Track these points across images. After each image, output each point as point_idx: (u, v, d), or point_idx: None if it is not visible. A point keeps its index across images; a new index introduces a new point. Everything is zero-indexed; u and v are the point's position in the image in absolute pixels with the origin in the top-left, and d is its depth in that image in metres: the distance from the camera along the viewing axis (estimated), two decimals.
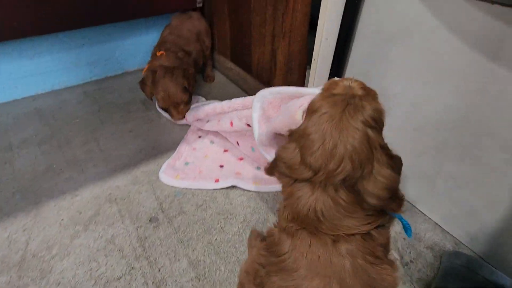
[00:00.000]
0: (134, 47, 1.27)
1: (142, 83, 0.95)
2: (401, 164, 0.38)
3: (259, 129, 0.62)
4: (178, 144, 0.90)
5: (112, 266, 0.60)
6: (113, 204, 0.73)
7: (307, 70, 0.91)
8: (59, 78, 1.17)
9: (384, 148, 0.36)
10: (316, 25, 0.73)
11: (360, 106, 0.35)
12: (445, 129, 0.60)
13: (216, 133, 0.91)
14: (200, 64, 1.11)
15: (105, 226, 0.68)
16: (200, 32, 1.09)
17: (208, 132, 0.91)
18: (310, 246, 0.37)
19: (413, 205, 0.73)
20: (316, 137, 0.35)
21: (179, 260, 0.62)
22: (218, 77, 1.25)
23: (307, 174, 0.36)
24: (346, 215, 0.36)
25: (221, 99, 1.10)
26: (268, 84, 0.98)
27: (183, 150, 0.87)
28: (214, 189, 0.76)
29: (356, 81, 0.38)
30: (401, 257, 0.62)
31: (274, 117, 0.60)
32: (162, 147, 0.90)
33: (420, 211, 0.71)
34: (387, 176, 0.35)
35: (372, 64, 0.69)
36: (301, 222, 0.38)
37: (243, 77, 1.11)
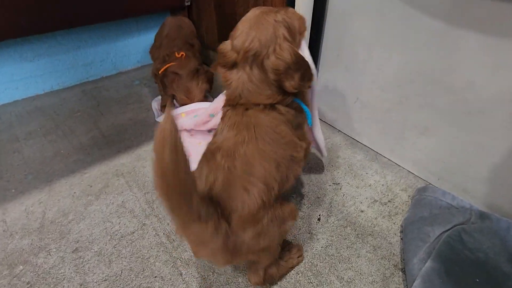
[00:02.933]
0: (127, 48, 1.36)
1: (163, 81, 0.98)
2: (305, 60, 0.49)
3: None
4: None
5: (125, 224, 0.67)
6: (120, 177, 0.80)
7: None
8: (57, 79, 1.23)
9: (288, 42, 0.47)
10: None
11: (275, 12, 0.49)
12: (404, 84, 0.70)
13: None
14: None
15: (115, 195, 0.74)
16: (193, 31, 1.18)
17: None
18: (230, 117, 0.50)
19: (388, 158, 0.82)
20: (240, 27, 0.49)
21: None
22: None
23: (234, 55, 0.48)
24: (256, 92, 0.48)
25: (213, 91, 1.18)
26: None
27: (182, 135, 0.94)
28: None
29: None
30: (381, 199, 0.71)
31: None
32: None
33: (395, 162, 0.81)
34: (284, 55, 0.46)
35: (343, 37, 0.80)
36: (231, 102, 0.50)
37: None
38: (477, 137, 0.62)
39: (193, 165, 0.83)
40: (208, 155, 0.47)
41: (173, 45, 1.03)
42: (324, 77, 0.91)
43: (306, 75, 0.49)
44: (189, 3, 1.21)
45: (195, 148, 0.92)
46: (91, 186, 0.77)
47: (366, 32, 0.74)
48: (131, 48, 1.37)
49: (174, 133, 0.30)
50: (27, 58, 1.14)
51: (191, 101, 0.97)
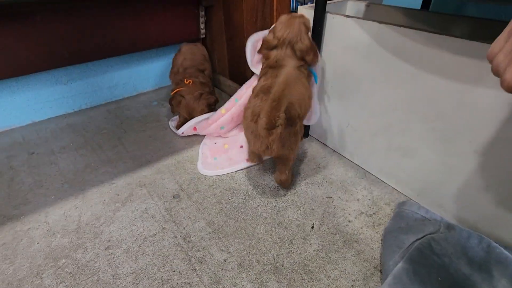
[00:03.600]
0: (147, 72, 1.53)
1: (171, 102, 1.18)
2: (315, 46, 0.85)
3: (251, 57, 0.97)
4: (190, 144, 1.12)
5: (148, 227, 0.79)
6: (143, 187, 0.93)
7: None
8: (85, 99, 1.40)
9: (306, 35, 0.82)
10: None
11: (297, 17, 0.83)
12: (388, 112, 0.83)
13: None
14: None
15: (139, 202, 0.87)
16: (205, 55, 1.34)
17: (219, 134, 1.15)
18: (272, 71, 0.82)
19: (376, 176, 0.94)
20: (279, 25, 0.83)
21: (198, 221, 0.81)
22: (218, 93, 1.49)
23: (275, 42, 0.82)
24: (289, 60, 0.81)
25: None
26: None
27: (206, 150, 1.08)
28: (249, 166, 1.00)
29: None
30: (367, 211, 0.83)
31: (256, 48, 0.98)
32: (177, 147, 1.11)
33: (381, 180, 0.92)
34: (306, 43, 0.81)
35: (335, 71, 0.93)
36: (271, 64, 0.83)
37: None
38: (448, 160, 0.74)
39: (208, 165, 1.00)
40: (265, 90, 0.76)
41: (185, 73, 1.21)
42: (321, 104, 1.04)
43: (316, 54, 0.84)
44: (204, 36, 1.38)
45: (223, 139, 1.08)
46: (118, 195, 0.90)
47: (355, 68, 0.87)
48: (150, 72, 1.54)
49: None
50: (61, 82, 1.30)
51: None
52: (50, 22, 1.04)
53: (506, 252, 0.61)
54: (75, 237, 0.77)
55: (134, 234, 0.77)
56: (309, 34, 0.85)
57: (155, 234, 0.77)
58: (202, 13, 1.29)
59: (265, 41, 0.85)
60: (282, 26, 0.82)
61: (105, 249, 0.74)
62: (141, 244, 0.75)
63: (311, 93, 0.83)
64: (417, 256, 0.63)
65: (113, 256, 0.72)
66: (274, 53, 0.83)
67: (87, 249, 0.74)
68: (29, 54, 1.08)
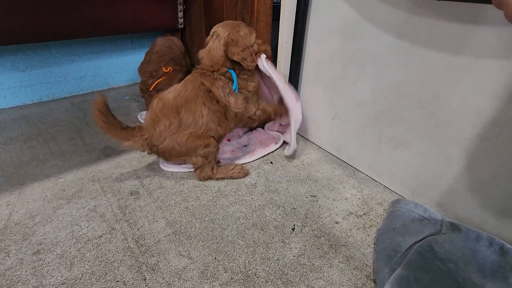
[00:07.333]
0: (120, 66, 1.40)
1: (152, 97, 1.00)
2: (250, 49, 0.75)
3: None
4: None
5: (93, 228, 0.65)
6: (96, 183, 0.78)
7: None
8: (47, 90, 1.25)
9: (242, 37, 0.73)
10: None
11: (241, 24, 0.75)
12: (379, 99, 0.74)
13: None
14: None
15: (88, 199, 0.73)
16: (182, 51, 1.24)
17: None
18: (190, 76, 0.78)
19: (365, 174, 0.83)
20: (220, 24, 0.75)
21: (157, 221, 0.67)
22: None
23: (208, 38, 0.75)
24: (211, 59, 0.74)
25: None
26: None
27: None
28: None
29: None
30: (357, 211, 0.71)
31: None
32: None
33: (372, 178, 0.82)
34: (234, 36, 0.72)
35: (321, 57, 0.85)
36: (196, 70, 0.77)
37: None
38: (446, 149, 0.64)
39: None
40: (154, 99, 0.76)
41: (160, 61, 1.08)
42: (306, 95, 0.94)
43: (246, 58, 0.72)
44: (182, 26, 1.28)
45: None
46: (64, 190, 0.75)
47: (342, 50, 0.79)
48: (124, 66, 1.41)
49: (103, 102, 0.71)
50: (19, 68, 1.16)
51: None
52: None
53: None
54: None
55: (74, 236, 0.63)
56: (250, 40, 0.75)
57: (101, 236, 0.63)
58: (180, 0, 1.20)
59: (205, 40, 0.77)
60: (220, 23, 0.75)
61: (33, 254, 0.58)
62: (81, 248, 0.60)
63: (222, 105, 0.75)
64: (417, 262, 0.52)
65: (41, 262, 0.57)
66: (203, 51, 0.75)
67: (10, 254, 0.58)
68: None
